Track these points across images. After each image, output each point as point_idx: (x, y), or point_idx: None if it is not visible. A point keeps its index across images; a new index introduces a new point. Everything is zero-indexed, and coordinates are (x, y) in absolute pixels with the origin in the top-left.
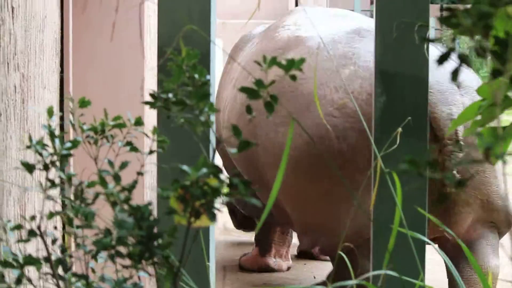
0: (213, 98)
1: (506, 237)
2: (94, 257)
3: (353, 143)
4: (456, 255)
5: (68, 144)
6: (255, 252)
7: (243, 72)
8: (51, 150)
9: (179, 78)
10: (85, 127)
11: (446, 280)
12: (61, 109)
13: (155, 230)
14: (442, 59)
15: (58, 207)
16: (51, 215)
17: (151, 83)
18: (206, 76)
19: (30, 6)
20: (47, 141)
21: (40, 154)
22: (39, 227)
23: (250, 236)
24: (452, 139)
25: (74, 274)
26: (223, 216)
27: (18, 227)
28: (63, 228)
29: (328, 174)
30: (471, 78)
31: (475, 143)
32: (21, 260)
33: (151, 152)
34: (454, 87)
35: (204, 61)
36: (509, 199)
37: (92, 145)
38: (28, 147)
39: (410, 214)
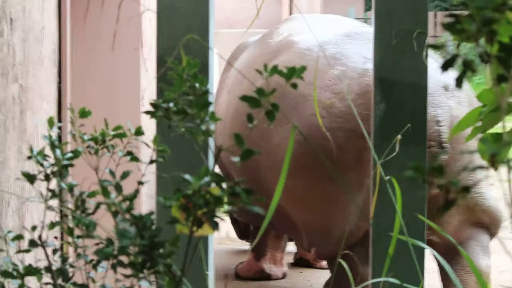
0: (212, 107)
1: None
2: (95, 267)
3: (340, 143)
4: (445, 258)
5: (69, 155)
6: (250, 257)
7: (238, 78)
8: (51, 160)
9: (180, 88)
10: (85, 137)
11: (438, 286)
12: (59, 119)
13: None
14: (447, 65)
15: (57, 217)
16: (52, 225)
17: (148, 93)
18: (206, 85)
19: (28, 18)
20: (46, 151)
21: (41, 165)
22: (40, 237)
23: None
24: (435, 140)
25: (75, 284)
26: (226, 225)
27: (19, 237)
28: (61, 238)
29: (319, 174)
30: None
31: (466, 149)
32: (21, 270)
33: (152, 161)
34: (440, 90)
35: (203, 71)
36: (497, 200)
37: (93, 155)
38: (29, 157)
39: (409, 221)
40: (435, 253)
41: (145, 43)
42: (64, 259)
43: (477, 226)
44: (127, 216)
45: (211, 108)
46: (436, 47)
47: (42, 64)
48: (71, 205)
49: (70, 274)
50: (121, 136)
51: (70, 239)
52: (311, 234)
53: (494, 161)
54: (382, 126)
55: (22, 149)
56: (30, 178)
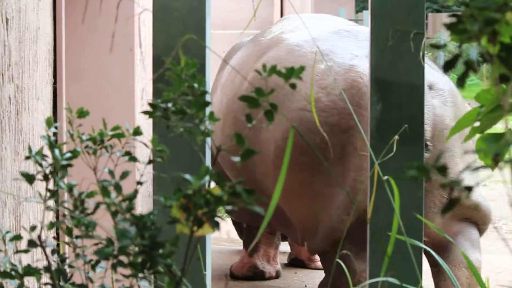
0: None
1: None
2: (94, 267)
3: (325, 137)
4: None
5: (68, 154)
6: (243, 254)
7: (230, 77)
8: (49, 160)
9: (179, 88)
10: (83, 137)
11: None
12: (55, 120)
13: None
14: (449, 65)
15: (54, 218)
16: (51, 225)
17: (146, 93)
18: (205, 86)
19: (24, 18)
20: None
21: (40, 165)
22: (39, 237)
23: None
24: None
25: (74, 284)
26: (227, 225)
27: (18, 237)
28: (57, 238)
29: (304, 167)
30: (443, 81)
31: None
32: (20, 271)
33: (150, 162)
34: (425, 89)
35: (200, 71)
36: (483, 196)
37: (91, 155)
38: (28, 157)
39: (407, 220)
40: (431, 251)
41: (142, 43)
42: (62, 259)
43: (465, 222)
44: (128, 216)
45: (209, 108)
46: (437, 47)
47: (37, 64)
48: (69, 205)
49: (69, 275)
50: (119, 136)
51: (67, 239)
52: (300, 228)
53: (497, 161)
54: (379, 126)
55: (18, 150)
56: (29, 178)
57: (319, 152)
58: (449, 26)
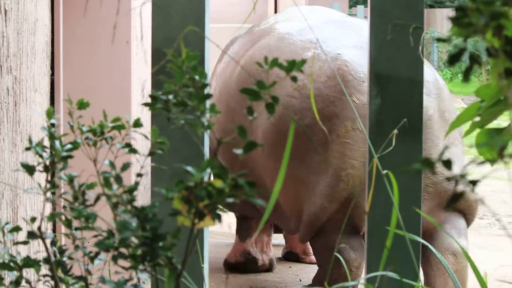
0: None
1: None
2: (92, 259)
3: (310, 124)
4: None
5: (69, 146)
6: (235, 240)
7: (223, 66)
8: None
9: (180, 80)
10: (83, 128)
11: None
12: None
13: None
14: (453, 59)
15: (52, 209)
16: (51, 216)
17: (146, 84)
18: (206, 78)
19: (22, 9)
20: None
21: (41, 156)
22: (39, 229)
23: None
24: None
25: (73, 276)
26: (228, 219)
27: (17, 229)
28: (54, 230)
29: (290, 155)
30: (428, 73)
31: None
32: (19, 262)
33: (150, 154)
34: None
35: (200, 63)
36: (468, 185)
37: (91, 147)
38: (28, 148)
39: (405, 215)
40: (419, 239)
41: (143, 35)
42: (62, 251)
43: (451, 211)
44: (129, 207)
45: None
46: (443, 40)
47: (35, 56)
48: (68, 197)
49: (68, 266)
50: (120, 128)
51: (66, 231)
52: (290, 215)
53: (502, 155)
54: (377, 120)
55: (16, 141)
56: (29, 169)
57: (304, 138)
58: (454, 20)
